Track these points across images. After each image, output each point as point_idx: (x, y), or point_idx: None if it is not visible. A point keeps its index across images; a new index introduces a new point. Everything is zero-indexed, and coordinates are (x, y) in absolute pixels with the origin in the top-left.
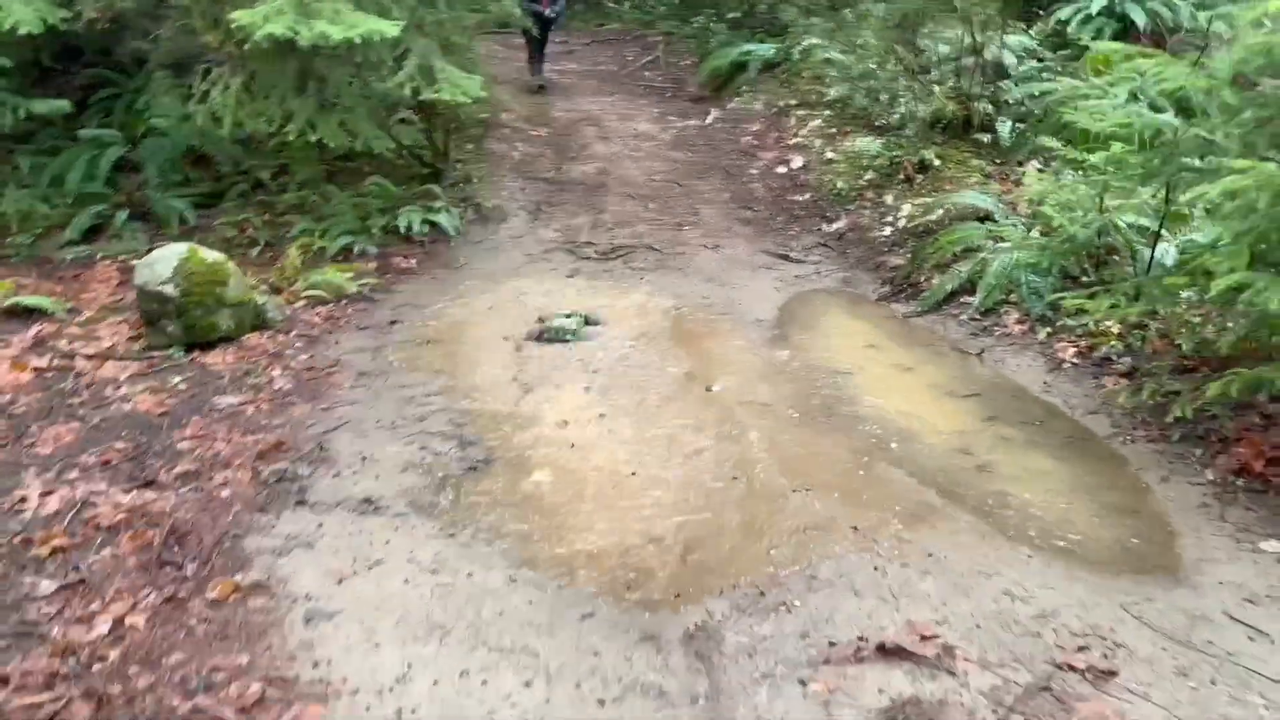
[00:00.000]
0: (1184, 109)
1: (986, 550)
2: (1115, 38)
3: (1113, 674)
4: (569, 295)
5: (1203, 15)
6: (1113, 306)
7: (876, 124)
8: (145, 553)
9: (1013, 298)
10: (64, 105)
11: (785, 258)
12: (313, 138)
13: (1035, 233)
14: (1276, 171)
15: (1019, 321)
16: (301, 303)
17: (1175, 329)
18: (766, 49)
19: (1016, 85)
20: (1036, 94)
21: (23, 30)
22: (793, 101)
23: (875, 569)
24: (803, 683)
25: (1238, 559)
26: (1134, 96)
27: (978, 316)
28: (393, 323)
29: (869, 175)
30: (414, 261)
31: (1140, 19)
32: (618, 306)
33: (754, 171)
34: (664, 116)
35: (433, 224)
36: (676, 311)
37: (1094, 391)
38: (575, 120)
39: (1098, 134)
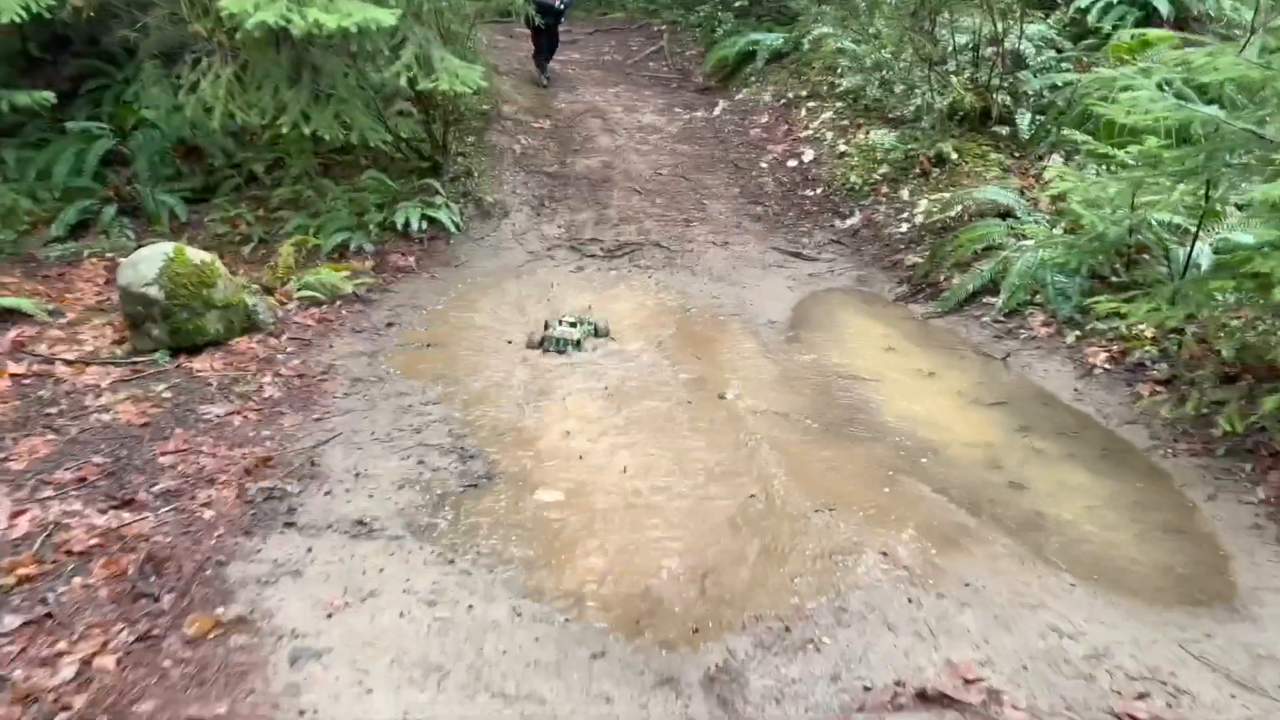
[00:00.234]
0: (1212, 101)
1: (1027, 578)
2: (1137, 25)
3: None
4: (574, 296)
5: (1228, 3)
6: (1152, 310)
7: (890, 116)
8: (119, 583)
9: (1038, 298)
10: (46, 96)
11: (797, 255)
12: (307, 130)
13: (1058, 230)
14: None
15: (1045, 324)
16: (294, 304)
17: (1213, 333)
18: (775, 38)
19: (1035, 76)
20: (1059, 85)
21: (5, 18)
22: (803, 93)
23: (909, 600)
24: None
25: None
26: (1159, 87)
27: (1001, 318)
28: (389, 325)
29: (883, 169)
30: (412, 259)
31: (1164, 6)
32: (624, 308)
33: (763, 165)
34: (670, 108)
35: (432, 220)
36: (685, 313)
37: (1129, 400)
38: (579, 112)
39: (1128, 127)
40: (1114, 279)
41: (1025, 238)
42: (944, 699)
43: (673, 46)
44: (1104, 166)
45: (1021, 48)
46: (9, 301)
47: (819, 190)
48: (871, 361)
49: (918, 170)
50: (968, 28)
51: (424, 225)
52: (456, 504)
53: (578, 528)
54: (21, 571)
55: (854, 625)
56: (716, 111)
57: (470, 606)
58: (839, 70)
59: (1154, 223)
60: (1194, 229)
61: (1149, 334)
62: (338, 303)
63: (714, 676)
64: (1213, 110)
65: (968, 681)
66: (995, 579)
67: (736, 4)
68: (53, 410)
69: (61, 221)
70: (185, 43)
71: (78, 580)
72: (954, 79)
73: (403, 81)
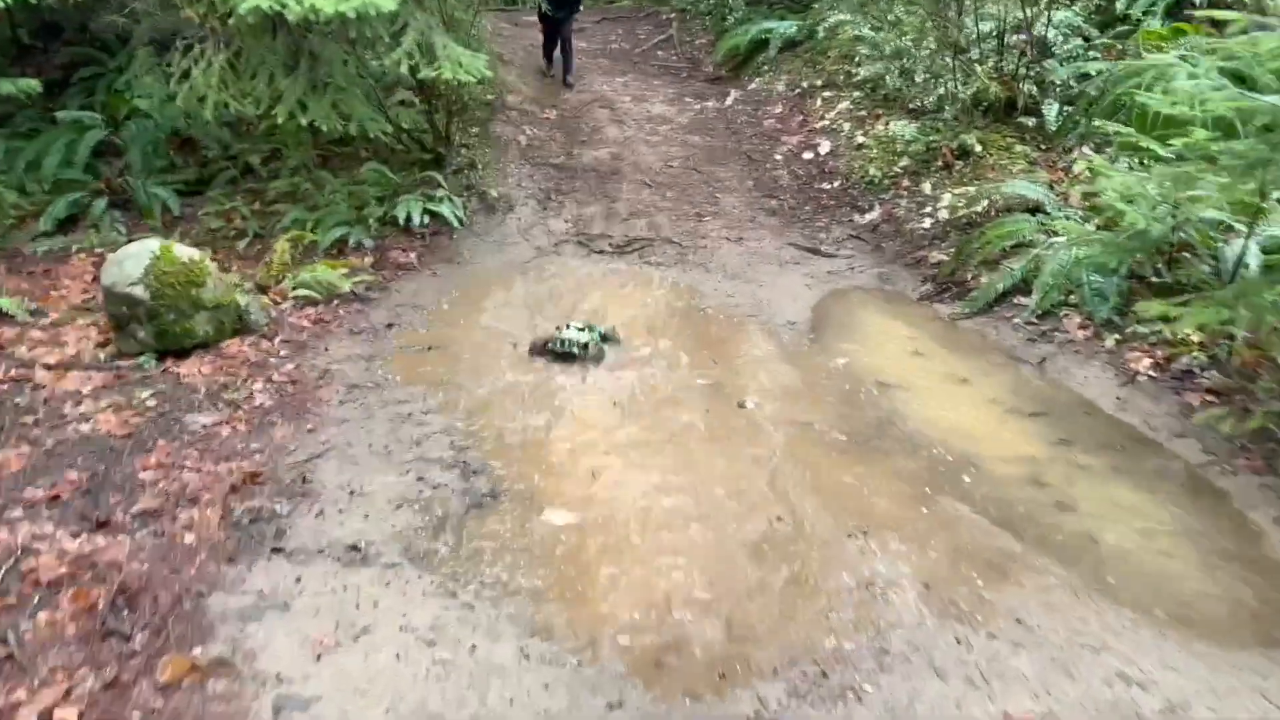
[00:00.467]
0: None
1: (1085, 614)
2: (1168, 14)
3: None
4: (582, 295)
5: None
6: (1214, 313)
7: (911, 106)
8: (88, 618)
9: (1073, 299)
10: (33, 85)
11: (815, 251)
12: (303, 120)
13: (1090, 226)
14: None
15: (1082, 326)
16: (289, 303)
17: (1267, 338)
18: (788, 26)
19: (1062, 65)
20: (1088, 74)
21: None
22: (818, 82)
23: (957, 640)
24: None
25: None
26: (1190, 76)
27: (1034, 320)
28: (389, 326)
29: (904, 162)
30: (413, 256)
31: None
32: (635, 308)
33: (778, 157)
34: (680, 98)
35: (434, 214)
36: (700, 313)
37: (1177, 410)
38: (586, 102)
39: (1162, 118)
40: (1154, 279)
41: (1056, 234)
42: None
43: (682, 35)
44: (1139, 159)
45: (1048, 35)
46: None
47: (836, 183)
48: (899, 366)
49: (940, 163)
50: (992, 14)
51: (426, 220)
52: (459, 526)
53: (589, 554)
54: None
55: (897, 669)
56: (728, 102)
57: (473, 647)
58: (856, 59)
59: (1199, 219)
60: (1243, 226)
61: (1195, 338)
62: (335, 302)
63: None
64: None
65: None
66: (1050, 615)
67: None
68: (29, 419)
69: (50, 215)
70: (179, 29)
71: (43, 615)
72: (978, 68)
73: (404, 70)
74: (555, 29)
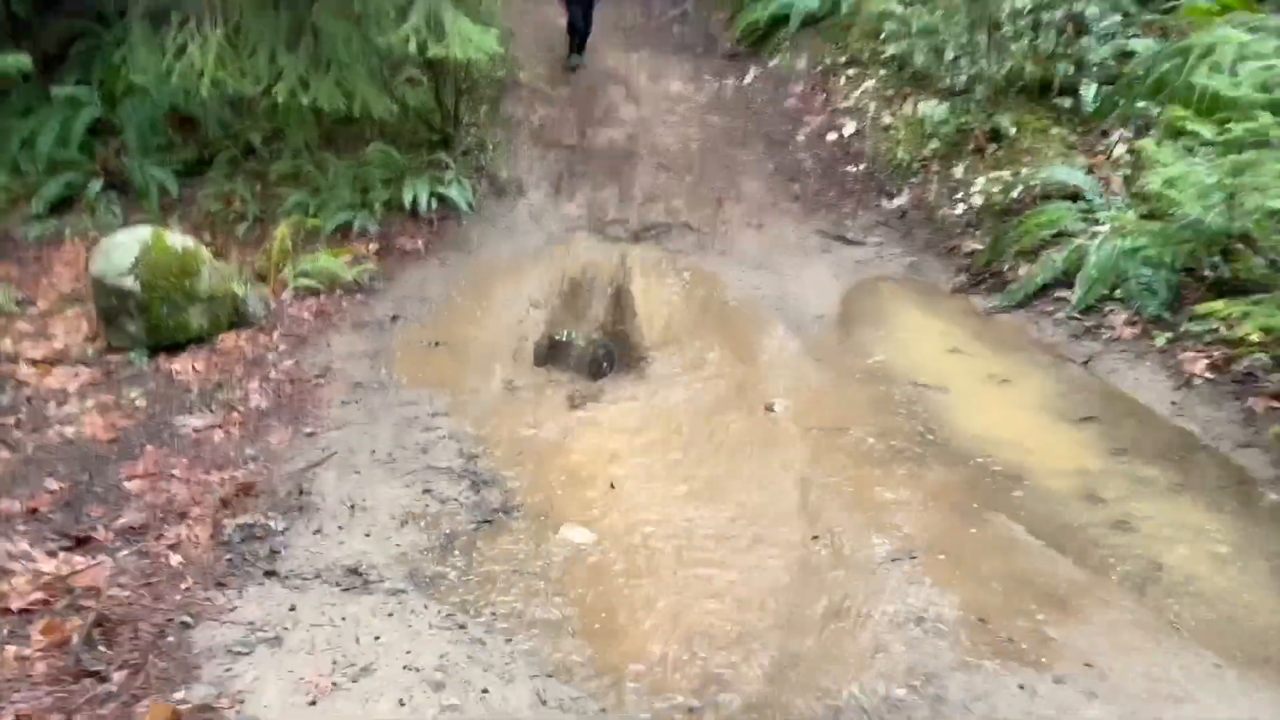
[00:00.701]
0: None
1: (1160, 655)
2: None
3: None
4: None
5: None
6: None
7: (940, 86)
8: (60, 654)
9: (1119, 293)
10: (22, 60)
11: (841, 239)
12: (305, 99)
13: (1132, 214)
14: None
15: (1129, 323)
16: (289, 293)
17: None
18: (810, 1)
19: (1100, 43)
20: (1128, 52)
21: None
22: (841, 60)
23: (1021, 687)
24: None
25: None
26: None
27: (1077, 315)
28: (394, 319)
29: (933, 144)
30: (420, 242)
31: None
32: (652, 300)
33: (800, 139)
34: (697, 76)
35: (442, 198)
36: (721, 305)
37: (1239, 417)
38: (600, 80)
39: (1231, 100)
40: (1209, 274)
41: (1099, 224)
42: None
43: (698, 10)
44: (1188, 144)
45: (1086, 11)
46: None
47: (862, 167)
48: (935, 365)
49: (972, 146)
50: None
51: (433, 204)
52: (468, 546)
53: (610, 580)
54: None
55: None
56: (747, 80)
57: (485, 691)
58: (882, 35)
59: (1261, 210)
60: None
61: (1255, 338)
62: (337, 292)
63: None
64: None
65: None
66: (1122, 657)
67: None
68: (10, 420)
69: (42, 197)
70: (176, 1)
71: (11, 650)
72: (1012, 46)
73: (411, 47)
74: (587, 7)
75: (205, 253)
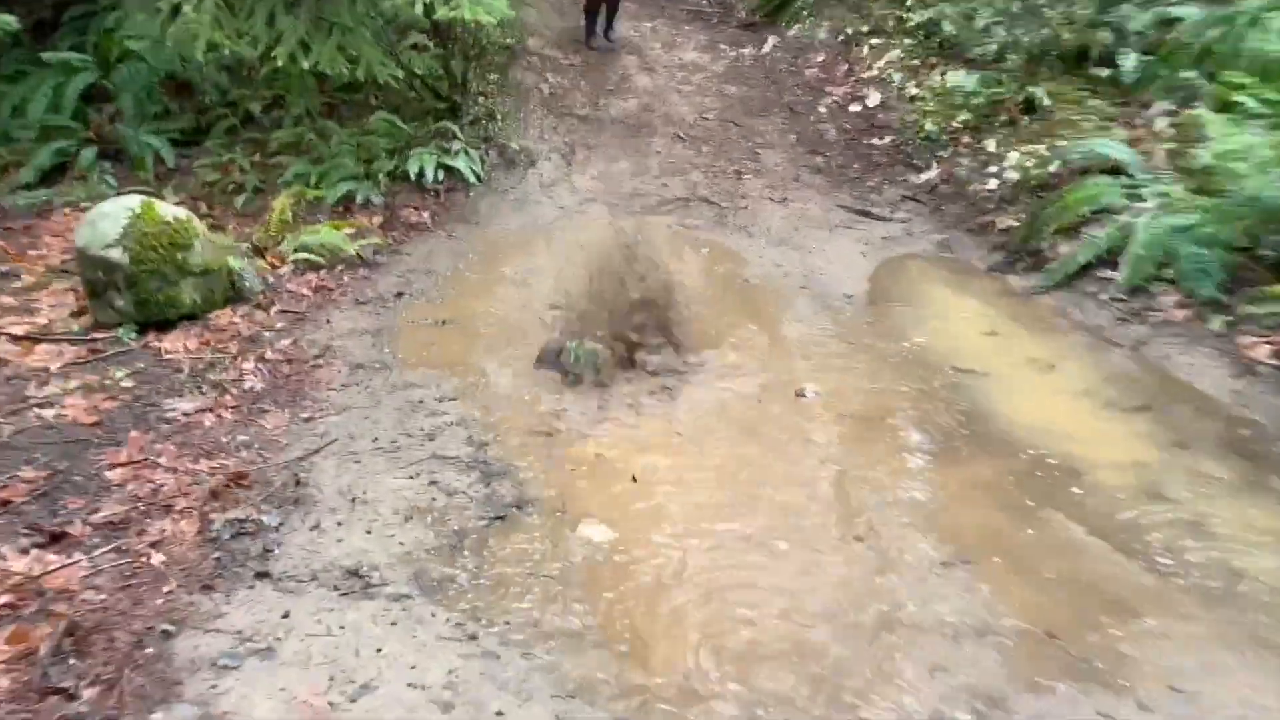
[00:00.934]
0: None
1: (1255, 677)
2: None
3: None
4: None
5: None
6: None
7: (970, 55)
8: (26, 668)
9: (1168, 273)
10: (9, 20)
11: (867, 214)
12: (306, 64)
13: (1178, 190)
14: None
15: (1180, 305)
16: (288, 268)
17: None
18: None
19: (1140, 9)
20: (1170, 19)
21: None
22: (864, 28)
23: (1099, 715)
24: None
25: None
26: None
27: (1123, 296)
28: (398, 295)
29: (963, 116)
30: (426, 215)
31: None
32: (671, 277)
33: (822, 110)
34: (713, 45)
35: (449, 169)
36: (744, 284)
37: None
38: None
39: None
40: (1268, 253)
41: (1143, 199)
42: None
43: None
44: (1234, 116)
45: None
46: None
47: (888, 139)
48: (974, 348)
49: (1004, 118)
50: None
51: (440, 175)
52: (479, 545)
53: (636, 584)
54: None
55: None
56: (766, 49)
57: (499, 714)
58: (908, 2)
59: None
60: None
61: None
62: (339, 267)
63: None
64: None
65: None
66: (1210, 678)
67: None
68: None
69: (33, 165)
70: None
71: None
72: (1048, 12)
73: (418, 9)
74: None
75: (198, 224)
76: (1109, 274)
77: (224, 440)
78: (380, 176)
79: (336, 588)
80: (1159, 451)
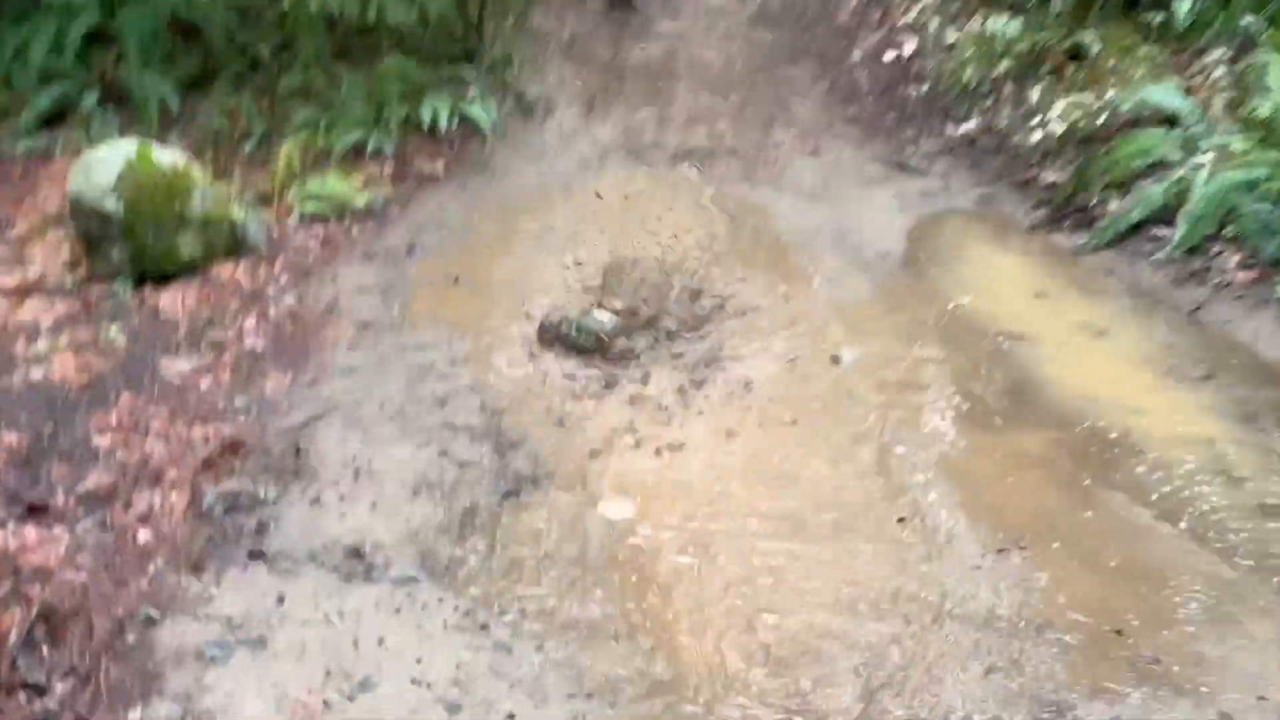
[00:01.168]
0: None
1: None
2: None
3: None
4: (633, 219)
5: None
6: None
7: (1010, 1)
8: None
9: (1229, 232)
10: None
11: (902, 167)
12: (315, 4)
13: (1240, 142)
14: None
15: (1243, 265)
16: (294, 219)
17: None
18: None
19: None
20: None
21: None
22: None
23: None
24: None
25: None
26: None
27: (1179, 257)
28: (409, 250)
29: (1005, 64)
30: (439, 165)
31: None
32: (696, 233)
33: (855, 58)
34: None
35: (464, 117)
36: (774, 240)
37: None
38: None
39: None
40: None
41: (1200, 152)
42: None
43: None
44: None
45: None
46: None
47: (924, 88)
48: (1021, 311)
49: (1049, 66)
50: None
51: (454, 123)
52: (491, 524)
53: (661, 570)
54: None
55: None
56: None
57: (511, 716)
58: None
59: None
60: None
61: None
62: (347, 219)
63: None
64: None
65: None
66: None
67: None
68: None
69: (33, 110)
70: None
71: None
72: None
73: None
74: None
75: (197, 172)
76: (1164, 232)
77: (221, 404)
78: (392, 124)
79: (336, 569)
80: (1227, 425)
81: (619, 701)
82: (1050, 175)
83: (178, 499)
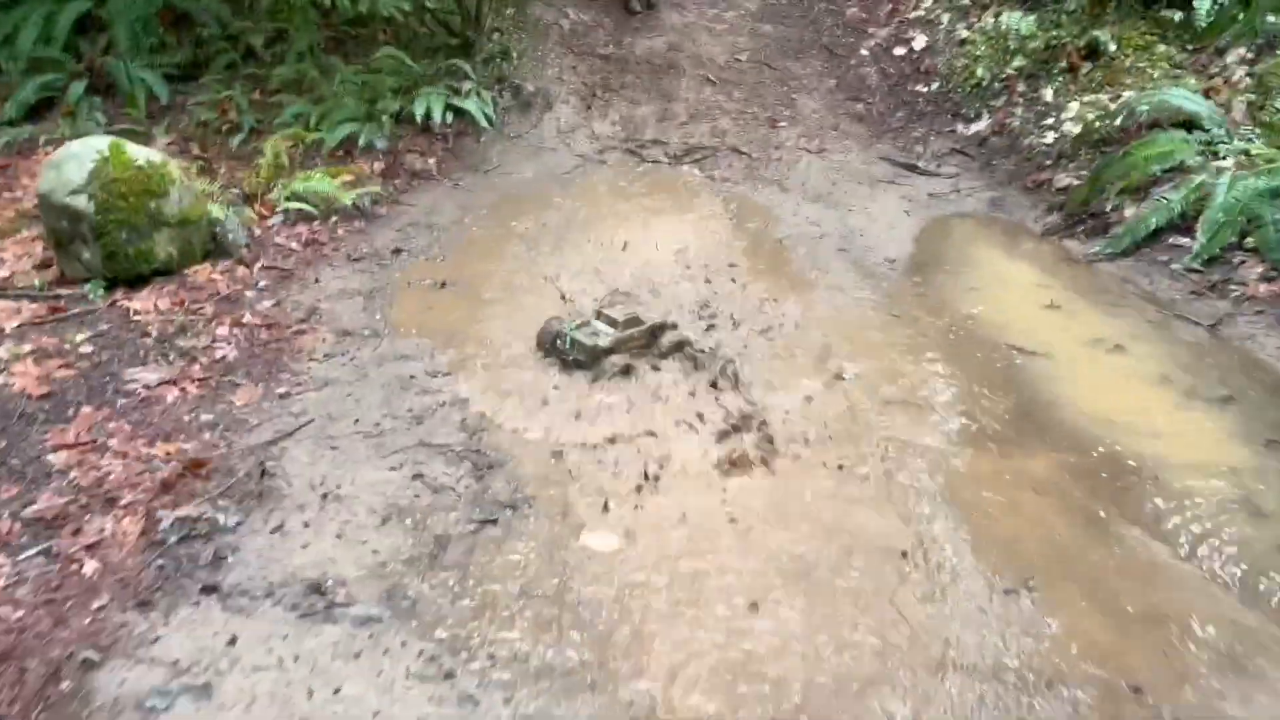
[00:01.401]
0: None
1: None
2: None
3: None
4: (630, 217)
5: None
6: None
7: None
8: None
9: (1251, 242)
10: None
11: (911, 168)
12: None
13: (1262, 146)
14: None
15: (1265, 278)
16: (278, 218)
17: None
18: None
19: None
20: None
21: None
22: None
23: None
24: None
25: None
26: None
27: (1198, 267)
28: (396, 252)
29: (1018, 62)
30: (432, 161)
31: None
32: (696, 236)
33: (864, 52)
34: None
35: (458, 111)
36: (776, 244)
37: None
38: None
39: None
40: None
41: (1220, 157)
42: None
43: None
44: None
45: None
46: None
47: (934, 86)
48: (1032, 324)
49: (1064, 64)
50: None
51: (449, 117)
52: (465, 557)
53: (647, 609)
54: None
55: None
56: None
57: None
58: None
59: None
60: None
61: None
62: (333, 218)
63: None
64: None
65: None
66: None
67: None
68: None
69: (16, 100)
70: None
71: None
72: None
73: None
74: None
75: (175, 169)
76: (1182, 241)
77: (185, 419)
78: (384, 118)
79: (295, 607)
80: (1251, 452)
81: None
82: (1064, 178)
83: (131, 525)
